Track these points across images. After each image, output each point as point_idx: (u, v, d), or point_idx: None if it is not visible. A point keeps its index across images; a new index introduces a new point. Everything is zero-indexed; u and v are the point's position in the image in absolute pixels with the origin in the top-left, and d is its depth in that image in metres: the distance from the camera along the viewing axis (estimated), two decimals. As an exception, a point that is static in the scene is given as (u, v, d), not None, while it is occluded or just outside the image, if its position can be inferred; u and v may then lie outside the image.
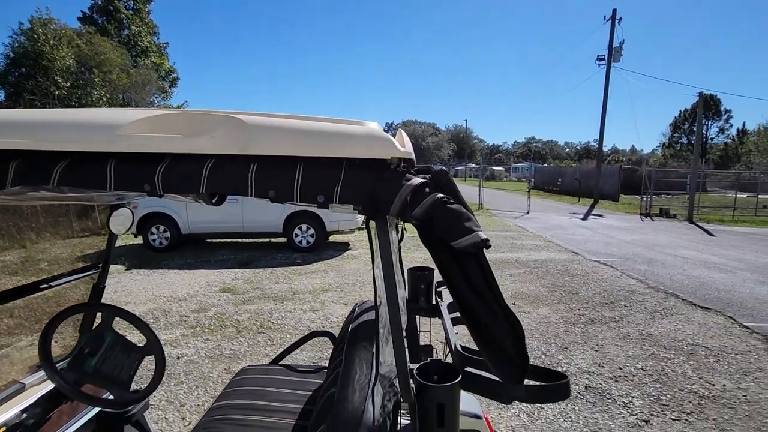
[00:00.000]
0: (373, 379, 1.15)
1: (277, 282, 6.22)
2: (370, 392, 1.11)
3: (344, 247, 9.01)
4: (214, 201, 0.97)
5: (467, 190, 27.90)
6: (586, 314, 4.87)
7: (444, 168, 0.94)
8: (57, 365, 1.26)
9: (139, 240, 8.66)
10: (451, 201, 0.89)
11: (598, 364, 3.64)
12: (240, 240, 9.29)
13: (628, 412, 2.94)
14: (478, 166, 23.20)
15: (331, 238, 9.53)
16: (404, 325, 1.29)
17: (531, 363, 1.17)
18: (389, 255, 0.95)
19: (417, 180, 0.90)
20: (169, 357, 3.75)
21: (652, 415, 2.91)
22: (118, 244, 9.39)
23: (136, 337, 1.66)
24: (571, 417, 2.86)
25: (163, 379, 3.38)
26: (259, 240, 9.29)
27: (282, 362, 2.10)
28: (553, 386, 1.13)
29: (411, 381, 1.08)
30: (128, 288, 5.95)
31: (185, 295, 5.60)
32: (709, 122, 48.29)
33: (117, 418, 1.92)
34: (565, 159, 74.35)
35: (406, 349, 0.94)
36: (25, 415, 1.25)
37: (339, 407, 1.09)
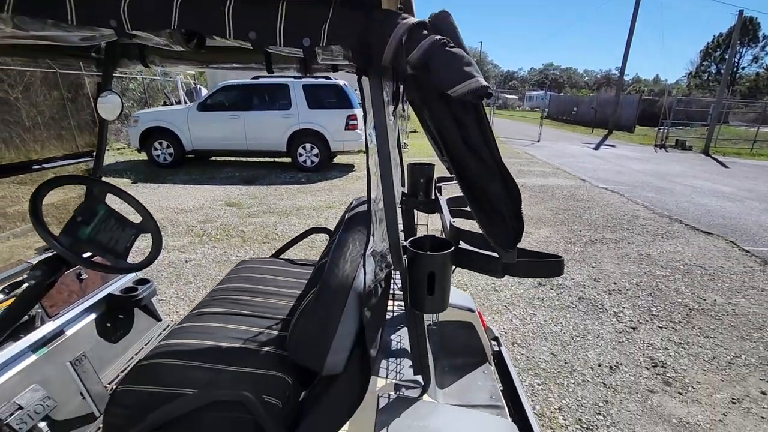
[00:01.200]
0: (365, 252, 1.14)
1: (282, 199, 6.26)
2: (362, 263, 1.10)
3: (349, 168, 8.93)
4: (190, 45, 0.88)
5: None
6: (587, 235, 4.90)
7: (446, 10, 0.83)
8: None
9: (144, 156, 8.62)
10: (451, 44, 0.79)
11: (594, 279, 3.73)
12: (244, 159, 9.22)
13: (617, 320, 3.05)
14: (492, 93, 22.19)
15: (336, 160, 9.43)
16: (398, 201, 1.26)
17: (527, 249, 1.16)
18: (382, 115, 0.88)
19: (413, 20, 0.80)
20: (178, 260, 3.89)
21: (640, 323, 3.02)
22: (122, 159, 9.40)
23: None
24: (561, 323, 2.98)
25: (173, 278, 3.56)
26: (264, 159, 9.22)
27: (281, 257, 2.14)
28: (546, 261, 1.12)
29: (404, 253, 1.07)
30: (135, 200, 6.02)
31: (191, 207, 5.67)
32: (744, 49, 44.86)
33: (126, 302, 2.01)
34: (582, 88, 70.80)
35: (399, 223, 0.91)
36: (31, 280, 1.30)
37: (329, 274, 1.10)
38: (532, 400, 2.20)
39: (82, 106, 11.81)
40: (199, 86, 13.50)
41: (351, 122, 8.03)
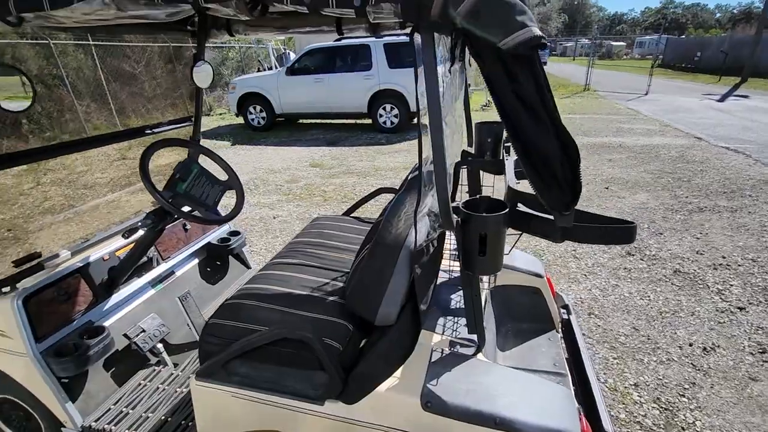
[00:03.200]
0: (416, 211, 1.16)
1: (361, 160, 6.43)
2: (414, 222, 1.13)
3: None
4: (254, 13, 0.94)
5: (571, 69, 24.30)
6: (694, 202, 4.32)
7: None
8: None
9: (241, 120, 9.37)
10: (503, -8, 0.74)
11: (696, 251, 3.32)
12: (328, 121, 9.54)
13: (721, 298, 2.72)
14: (590, 41, 19.52)
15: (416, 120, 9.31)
16: (453, 161, 1.24)
17: (593, 213, 1.09)
18: (433, 74, 0.87)
19: None
20: (267, 216, 4.28)
21: (750, 303, 2.66)
22: (223, 123, 10.28)
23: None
24: (649, 297, 2.74)
25: (263, 233, 3.94)
26: (346, 121, 9.45)
27: (352, 215, 2.25)
28: (613, 228, 1.05)
29: (456, 213, 1.07)
30: (233, 160, 6.62)
31: (279, 168, 6.11)
32: None
33: (221, 251, 2.30)
34: (712, 27, 59.34)
35: (449, 180, 0.91)
36: (144, 227, 1.56)
37: (383, 231, 1.15)
38: (604, 374, 2.11)
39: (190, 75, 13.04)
40: (288, 51, 14.04)
41: (431, 81, 7.80)
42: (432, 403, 1.07)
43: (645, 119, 9.18)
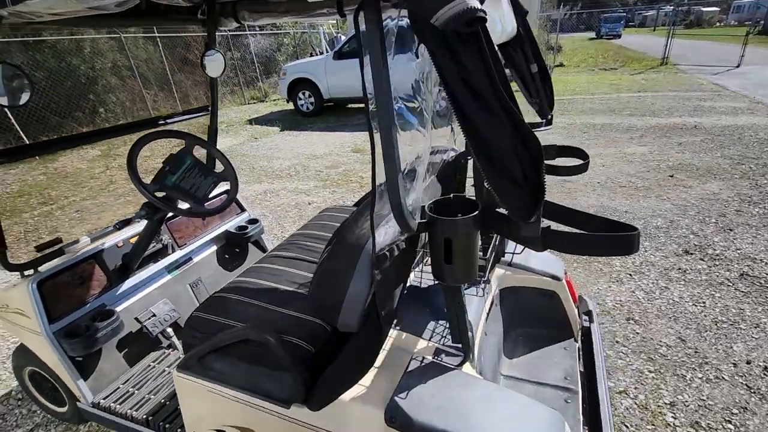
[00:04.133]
0: (382, 213, 1.06)
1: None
2: (371, 223, 1.02)
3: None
4: None
5: (648, 41, 21.79)
6: (780, 194, 3.73)
7: None
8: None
9: (291, 106, 9.57)
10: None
11: (774, 252, 2.86)
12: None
13: (796, 309, 2.32)
14: (673, 8, 17.35)
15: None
16: (428, 152, 1.12)
17: (601, 216, 0.93)
18: (379, 57, 0.76)
19: None
20: (303, 203, 4.34)
21: (835, 317, 2.24)
22: (276, 109, 10.58)
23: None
24: (705, 303, 2.41)
25: (296, 219, 4.01)
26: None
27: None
28: (607, 237, 0.89)
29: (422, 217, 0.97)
30: (279, 146, 6.82)
31: (322, 153, 6.17)
32: None
33: (239, 238, 2.34)
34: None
35: (399, 174, 0.80)
36: (137, 219, 1.61)
37: (346, 230, 1.07)
38: (635, 388, 1.89)
39: (248, 63, 13.56)
40: (340, 35, 14.05)
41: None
42: (396, 419, 1.00)
43: (732, 96, 8.06)
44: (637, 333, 2.21)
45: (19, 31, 6.83)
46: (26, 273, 1.58)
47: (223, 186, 2.25)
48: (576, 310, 1.70)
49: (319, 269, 1.08)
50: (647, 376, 1.95)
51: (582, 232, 0.92)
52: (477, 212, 0.91)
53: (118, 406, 1.56)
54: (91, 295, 1.67)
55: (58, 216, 4.45)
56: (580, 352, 1.61)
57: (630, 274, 2.72)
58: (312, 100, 9.04)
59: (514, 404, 1.07)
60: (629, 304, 2.43)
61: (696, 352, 2.06)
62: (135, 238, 1.86)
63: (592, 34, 29.78)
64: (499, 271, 1.68)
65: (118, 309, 1.71)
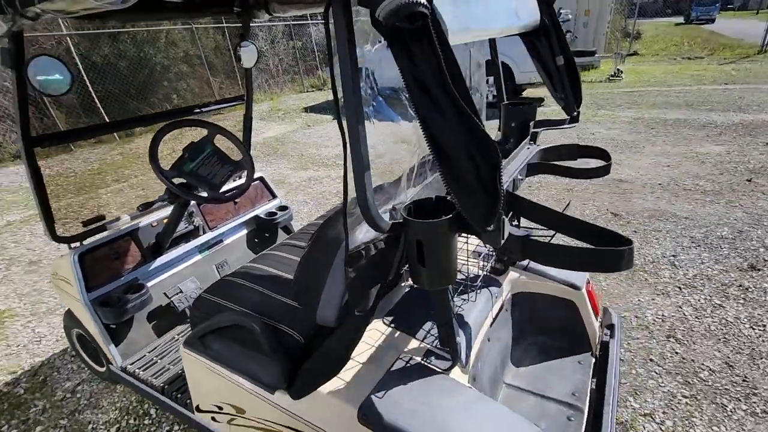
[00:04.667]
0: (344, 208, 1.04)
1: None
2: (344, 221, 0.99)
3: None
4: None
5: (747, 26, 19.08)
6: None
7: None
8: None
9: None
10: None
11: None
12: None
13: None
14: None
15: (524, 94, 8.54)
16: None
17: (594, 224, 0.87)
18: (347, 53, 0.74)
19: None
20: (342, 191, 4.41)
21: None
22: (332, 98, 10.74)
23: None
24: (765, 326, 2.13)
25: (335, 206, 4.08)
26: None
27: None
28: (595, 251, 0.81)
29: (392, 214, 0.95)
30: (330, 134, 6.96)
31: (370, 143, 6.19)
32: None
33: (269, 223, 2.44)
34: None
35: (368, 174, 0.79)
36: (160, 202, 1.73)
37: (326, 226, 1.07)
38: (663, 413, 1.73)
39: (308, 52, 13.93)
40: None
41: (542, 49, 7.00)
42: (368, 417, 1.00)
43: (840, 90, 6.94)
44: (677, 352, 2.01)
45: (57, 20, 7.51)
46: (73, 245, 1.76)
47: (257, 174, 2.34)
48: (596, 323, 1.58)
49: (299, 265, 1.09)
50: (680, 401, 1.77)
51: (565, 243, 0.85)
52: (451, 215, 0.87)
53: (141, 372, 1.71)
54: (125, 269, 1.84)
55: (127, 193, 4.90)
56: (595, 368, 1.50)
57: (679, 288, 2.47)
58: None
59: (495, 417, 1.03)
60: (673, 321, 2.22)
61: (744, 380, 1.84)
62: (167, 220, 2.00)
63: (680, 19, 26.89)
64: (513, 274, 1.60)
65: (149, 284, 1.86)
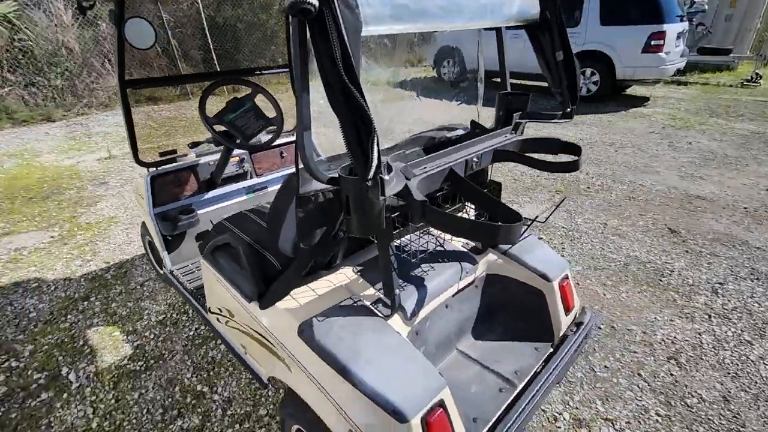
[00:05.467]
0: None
1: (528, 127, 5.94)
2: (296, 169, 1.14)
3: (636, 102, 7.25)
4: None
5: None
6: None
7: None
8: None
9: (435, 73, 9.71)
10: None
11: None
12: (517, 81, 8.90)
13: None
14: None
15: (628, 92, 7.78)
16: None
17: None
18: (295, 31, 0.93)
19: None
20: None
21: None
22: (421, 75, 10.84)
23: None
24: (793, 373, 1.93)
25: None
26: (529, 83, 8.67)
27: None
28: (478, 224, 0.95)
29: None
30: (403, 111, 7.12)
31: (440, 121, 6.26)
32: None
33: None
34: None
35: (308, 133, 0.98)
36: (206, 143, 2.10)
37: (293, 175, 1.29)
38: (627, 422, 1.72)
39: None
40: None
41: (654, 42, 6.31)
42: (304, 333, 1.24)
43: None
44: (672, 374, 1.94)
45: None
46: (150, 170, 2.23)
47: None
48: (564, 317, 1.63)
49: (272, 205, 1.34)
50: (651, 417, 1.74)
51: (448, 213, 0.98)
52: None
53: (182, 276, 2.15)
54: (183, 195, 2.28)
55: (196, 137, 5.64)
56: (549, 357, 1.56)
57: (709, 315, 2.29)
58: (455, 69, 9.00)
59: (409, 359, 1.19)
60: (683, 345, 2.10)
61: (735, 416, 1.73)
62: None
63: None
64: (491, 256, 1.70)
65: (200, 211, 2.28)
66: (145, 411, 1.82)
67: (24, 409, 1.83)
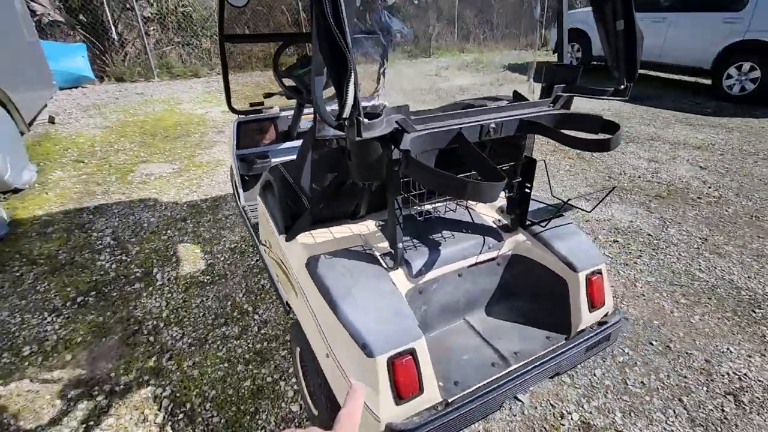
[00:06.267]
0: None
1: (648, 124, 5.24)
2: (315, 110, 1.22)
3: (813, 110, 5.84)
4: None
5: None
6: None
7: None
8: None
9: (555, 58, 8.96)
10: None
11: None
12: (651, 72, 7.77)
13: None
14: None
15: None
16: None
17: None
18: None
19: None
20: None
21: None
22: (541, 59, 10.12)
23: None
24: None
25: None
26: (673, 77, 7.48)
27: None
28: (465, 182, 0.96)
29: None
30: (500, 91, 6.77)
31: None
32: None
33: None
34: None
35: (320, 79, 1.07)
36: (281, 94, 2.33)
37: (317, 124, 1.40)
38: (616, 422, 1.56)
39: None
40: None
41: None
42: (310, 265, 1.39)
43: None
44: (724, 411, 1.67)
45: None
46: (239, 117, 2.57)
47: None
48: (587, 312, 1.52)
49: (299, 148, 1.47)
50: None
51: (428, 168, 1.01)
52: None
53: (250, 212, 2.47)
54: (262, 142, 2.58)
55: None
56: (561, 350, 1.48)
57: (805, 362, 1.89)
58: (579, 54, 8.21)
59: (396, 308, 1.25)
60: (752, 384, 1.78)
61: (791, 475, 1.45)
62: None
63: None
64: (520, 237, 1.65)
65: (273, 159, 2.57)
66: (201, 314, 2.18)
67: (122, 291, 2.34)
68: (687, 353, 1.94)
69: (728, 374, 1.83)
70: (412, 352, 1.18)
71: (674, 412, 1.67)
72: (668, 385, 1.79)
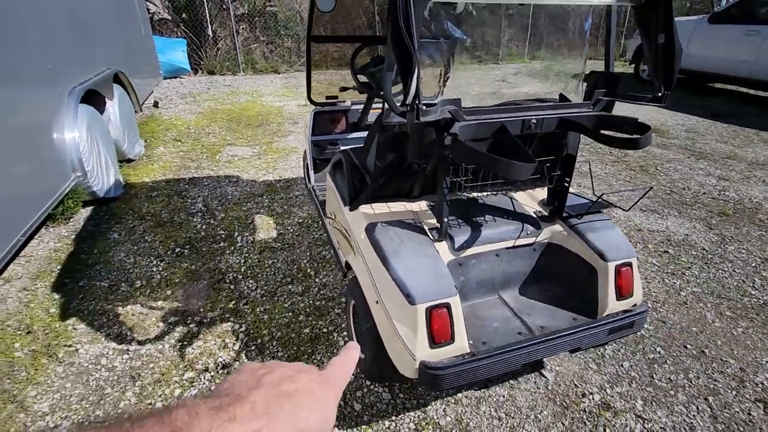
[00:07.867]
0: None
1: (725, 141, 4.98)
2: (384, 98, 1.47)
3: None
4: None
5: None
6: None
7: None
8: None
9: (631, 69, 8.61)
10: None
11: None
12: (742, 89, 7.23)
13: None
14: None
15: None
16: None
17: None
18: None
19: None
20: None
21: None
22: (618, 70, 9.76)
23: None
24: None
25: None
26: (759, 93, 6.92)
27: None
28: (500, 161, 1.19)
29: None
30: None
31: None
32: None
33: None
34: None
35: (390, 74, 1.34)
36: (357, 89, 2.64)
37: (382, 115, 1.66)
38: (662, 429, 1.66)
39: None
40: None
41: None
42: (368, 230, 1.67)
43: None
44: (750, 415, 1.72)
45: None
46: (316, 107, 2.93)
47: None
48: (614, 301, 1.65)
49: (367, 133, 1.75)
50: (694, 436, 1.63)
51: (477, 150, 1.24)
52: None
53: (318, 191, 2.82)
54: (333, 131, 2.92)
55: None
56: (584, 331, 1.63)
57: None
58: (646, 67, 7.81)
59: (437, 270, 1.49)
60: (788, 396, 1.80)
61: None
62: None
63: None
64: (557, 227, 1.82)
65: (342, 146, 2.90)
66: (272, 273, 2.56)
67: (210, 247, 2.79)
68: (722, 360, 1.98)
69: (763, 383, 1.86)
70: (447, 306, 1.42)
71: (697, 408, 1.75)
72: (696, 384, 1.85)
